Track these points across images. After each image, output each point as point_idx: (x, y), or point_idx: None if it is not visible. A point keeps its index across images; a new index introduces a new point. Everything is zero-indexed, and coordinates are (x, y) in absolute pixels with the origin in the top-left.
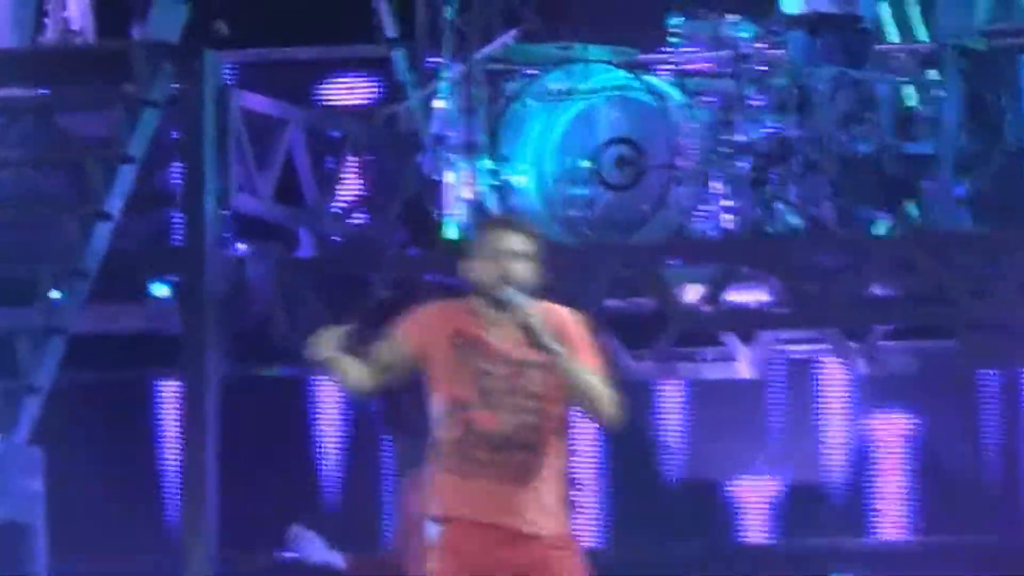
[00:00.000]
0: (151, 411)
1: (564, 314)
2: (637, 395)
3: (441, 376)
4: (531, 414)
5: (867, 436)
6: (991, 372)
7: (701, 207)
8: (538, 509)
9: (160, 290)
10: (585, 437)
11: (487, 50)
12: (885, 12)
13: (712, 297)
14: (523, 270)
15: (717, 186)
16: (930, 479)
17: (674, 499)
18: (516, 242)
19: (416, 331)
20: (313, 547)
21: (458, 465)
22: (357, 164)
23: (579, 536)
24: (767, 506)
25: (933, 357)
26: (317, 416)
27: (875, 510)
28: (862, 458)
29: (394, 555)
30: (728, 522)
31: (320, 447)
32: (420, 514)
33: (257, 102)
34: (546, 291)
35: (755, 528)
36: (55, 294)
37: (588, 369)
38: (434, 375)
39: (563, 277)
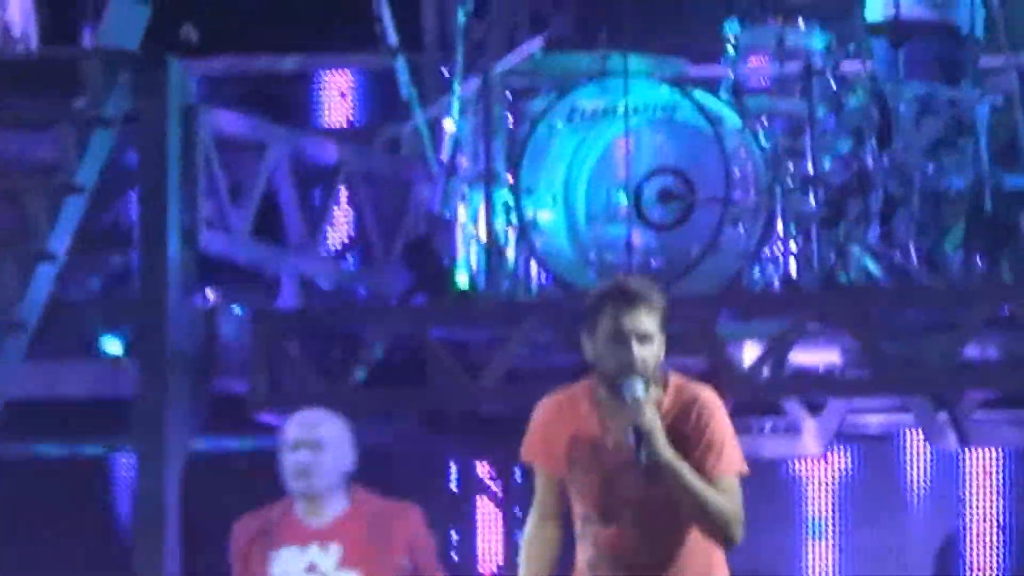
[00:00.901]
0: (105, 489)
1: (697, 394)
2: None
3: (570, 489)
4: (665, 529)
5: (960, 527)
6: None
7: (761, 251)
8: None
9: (113, 346)
10: None
11: (508, 61)
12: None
13: (774, 358)
14: (650, 355)
15: (781, 226)
16: None
17: None
18: (642, 321)
19: (546, 451)
20: None
21: None
22: (351, 197)
23: None
24: None
25: None
26: None
27: None
28: (953, 554)
29: None
30: None
31: None
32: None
33: (231, 122)
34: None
35: None
36: None
37: (714, 480)
38: (568, 489)
39: None
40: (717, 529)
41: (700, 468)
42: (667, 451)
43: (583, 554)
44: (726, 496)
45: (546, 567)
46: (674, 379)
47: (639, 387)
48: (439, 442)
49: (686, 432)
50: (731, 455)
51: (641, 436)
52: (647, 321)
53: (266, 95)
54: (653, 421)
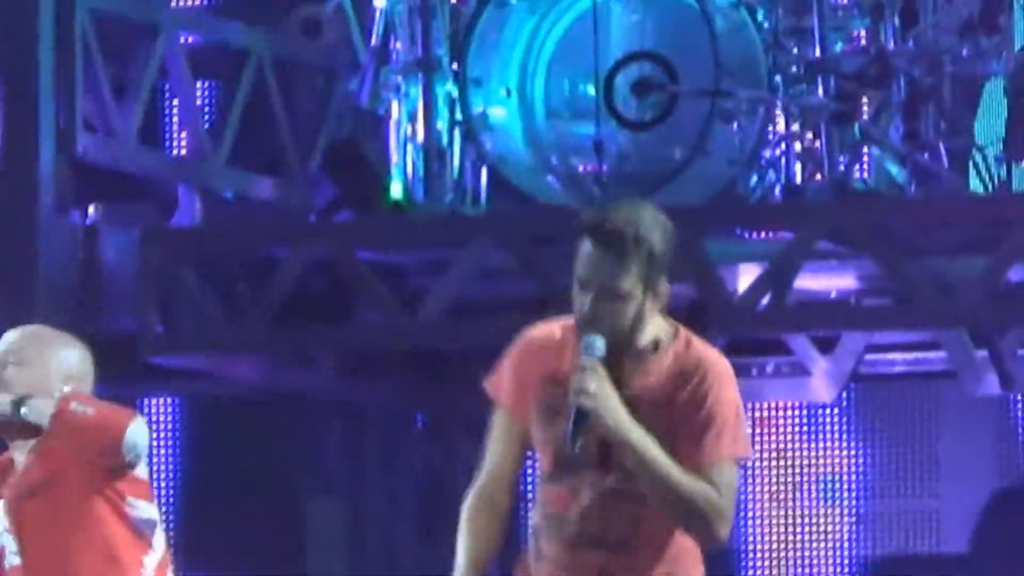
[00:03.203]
0: None
1: (702, 357)
2: None
3: (536, 442)
4: (627, 496)
5: (1003, 490)
6: None
7: (759, 154)
8: None
9: None
10: None
11: None
12: None
13: (775, 284)
14: (616, 314)
15: (782, 123)
16: None
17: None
18: (612, 273)
19: (515, 392)
20: None
21: (530, 566)
22: (261, 91)
23: None
24: None
25: None
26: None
27: None
28: (994, 521)
29: None
30: None
31: None
32: None
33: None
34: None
35: None
36: None
37: (707, 462)
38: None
39: (561, 254)
40: (694, 525)
41: (694, 446)
42: (625, 427)
43: (533, 522)
44: (713, 486)
45: (491, 545)
46: (683, 336)
47: (597, 346)
48: (368, 390)
49: (681, 401)
50: (734, 435)
51: (580, 413)
52: (622, 275)
53: None
54: (601, 393)
